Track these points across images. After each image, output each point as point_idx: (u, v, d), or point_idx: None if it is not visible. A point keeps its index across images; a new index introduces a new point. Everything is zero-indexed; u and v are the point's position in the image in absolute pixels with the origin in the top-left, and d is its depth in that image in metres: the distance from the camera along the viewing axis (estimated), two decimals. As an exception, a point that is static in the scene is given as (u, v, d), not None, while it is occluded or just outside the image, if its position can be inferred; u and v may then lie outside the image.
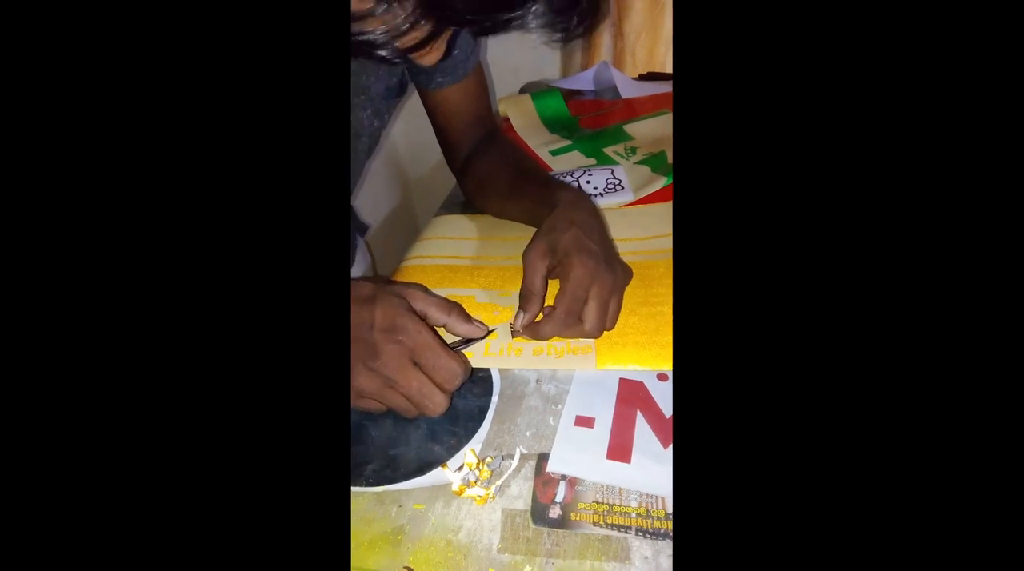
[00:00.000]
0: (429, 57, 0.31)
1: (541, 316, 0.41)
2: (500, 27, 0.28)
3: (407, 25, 0.28)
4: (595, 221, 0.43)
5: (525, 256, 0.41)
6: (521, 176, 0.54)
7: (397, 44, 0.29)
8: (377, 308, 0.34)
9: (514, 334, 0.42)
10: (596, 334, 0.40)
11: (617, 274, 0.41)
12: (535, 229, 0.43)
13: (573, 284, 0.38)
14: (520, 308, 0.41)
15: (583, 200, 0.46)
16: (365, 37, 0.28)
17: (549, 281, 0.42)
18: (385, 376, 0.33)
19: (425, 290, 0.39)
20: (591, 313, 0.39)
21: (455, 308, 0.38)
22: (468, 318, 0.39)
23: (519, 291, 0.41)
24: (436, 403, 0.34)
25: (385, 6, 0.27)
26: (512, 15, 0.27)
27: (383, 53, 0.29)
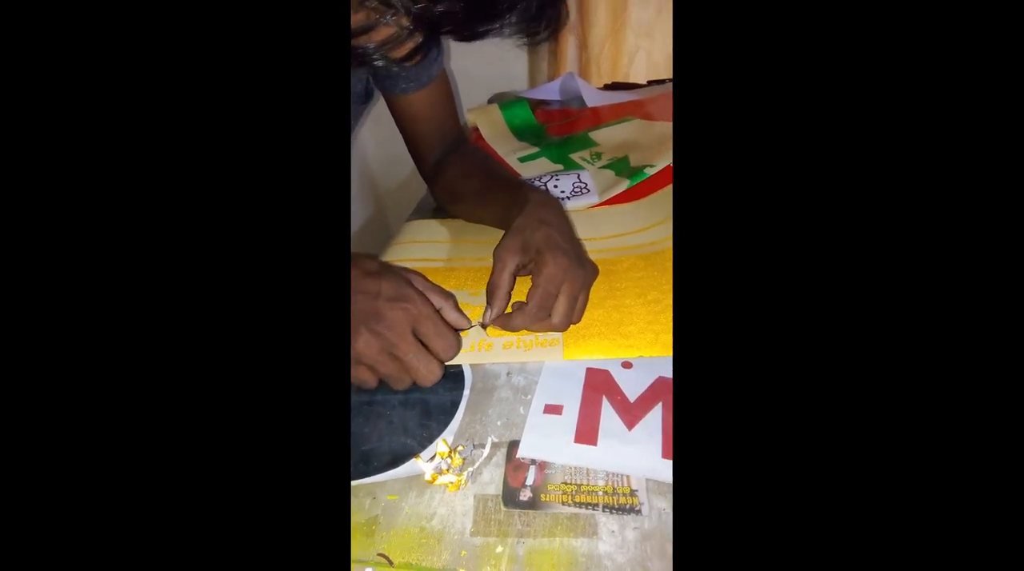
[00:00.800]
0: (412, 61, 0.33)
1: (510, 309, 0.42)
2: (479, 35, 0.30)
3: (403, 37, 0.30)
4: (564, 221, 0.45)
5: (496, 253, 0.42)
6: (491, 181, 0.56)
7: (391, 55, 0.31)
8: (384, 280, 0.37)
9: (484, 326, 0.43)
10: (563, 328, 0.41)
11: (587, 271, 0.42)
12: (505, 231, 0.45)
13: (545, 279, 0.40)
14: (487, 303, 0.42)
15: (551, 201, 0.47)
16: (360, 49, 0.30)
17: (518, 278, 0.43)
18: (386, 339, 0.35)
19: (424, 277, 0.41)
20: (560, 307, 0.40)
21: (450, 297, 0.41)
22: (459, 309, 0.41)
23: (486, 287, 0.43)
24: (430, 371, 0.36)
25: (384, 21, 0.29)
26: (491, 26, 0.30)
27: (378, 63, 0.31)
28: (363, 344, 0.35)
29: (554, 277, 0.40)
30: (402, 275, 0.38)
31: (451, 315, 0.40)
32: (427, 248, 0.57)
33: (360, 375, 0.36)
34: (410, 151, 0.64)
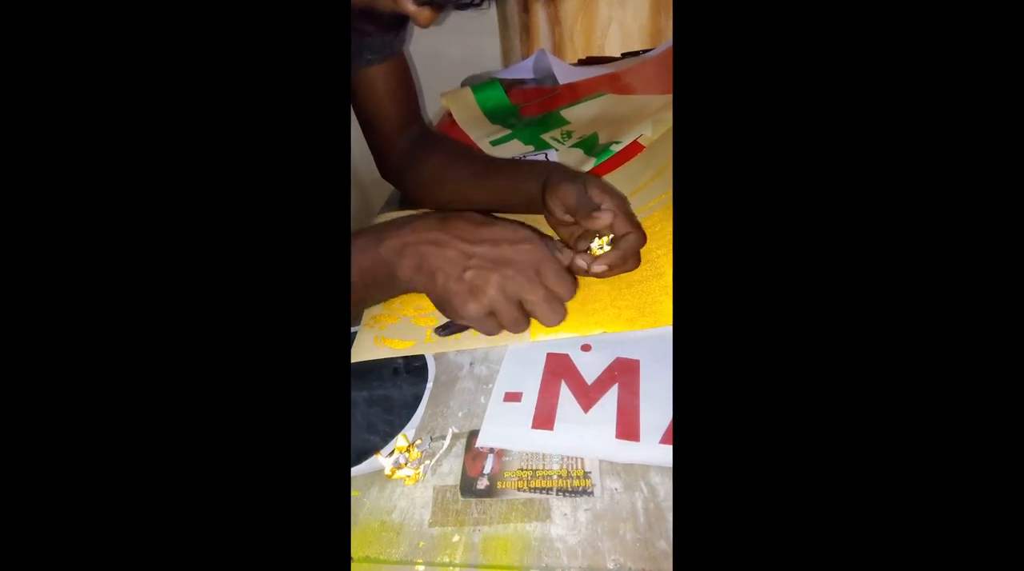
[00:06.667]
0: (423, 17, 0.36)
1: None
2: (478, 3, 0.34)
3: None
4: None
5: (545, 198, 0.44)
6: (484, 162, 0.57)
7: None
8: (498, 225, 0.37)
9: (575, 269, 0.41)
10: (644, 240, 0.43)
11: None
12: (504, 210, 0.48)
13: (613, 201, 0.42)
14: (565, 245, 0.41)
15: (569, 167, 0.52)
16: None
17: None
18: (518, 283, 0.35)
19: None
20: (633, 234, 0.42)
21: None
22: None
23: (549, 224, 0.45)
24: (556, 311, 0.36)
25: None
26: None
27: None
28: (496, 290, 0.35)
29: (622, 201, 0.43)
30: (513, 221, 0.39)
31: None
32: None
33: (486, 326, 0.36)
34: (371, 141, 0.62)
